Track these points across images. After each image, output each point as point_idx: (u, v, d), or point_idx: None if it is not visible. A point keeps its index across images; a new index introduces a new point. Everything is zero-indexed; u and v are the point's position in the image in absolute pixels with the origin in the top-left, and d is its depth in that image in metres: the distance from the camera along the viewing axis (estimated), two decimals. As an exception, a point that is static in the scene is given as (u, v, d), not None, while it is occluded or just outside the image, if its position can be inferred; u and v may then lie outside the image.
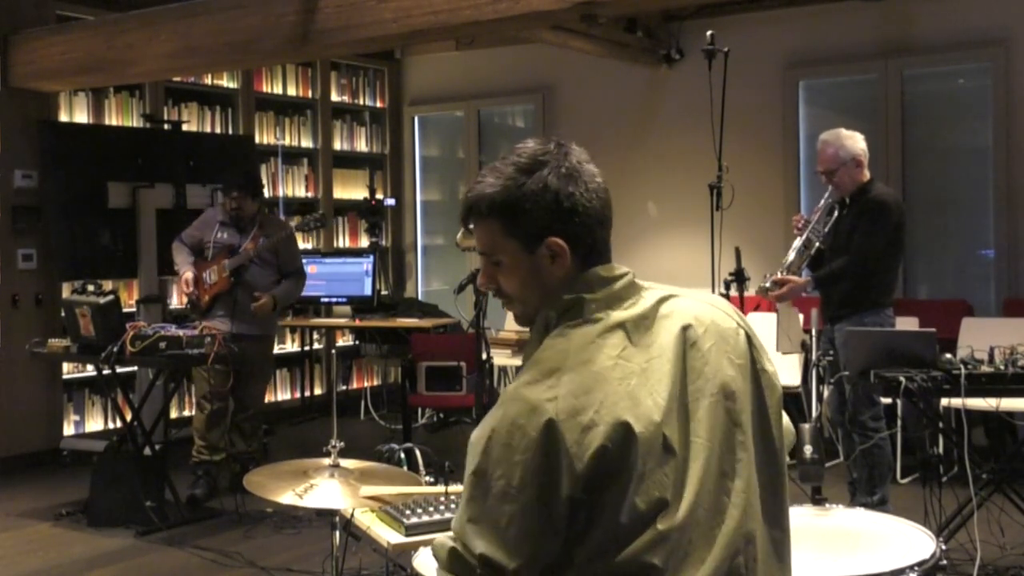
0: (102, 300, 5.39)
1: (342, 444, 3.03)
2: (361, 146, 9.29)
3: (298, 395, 8.61)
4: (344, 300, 8.25)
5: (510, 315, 1.77)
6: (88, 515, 5.56)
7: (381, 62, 9.30)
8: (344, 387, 8.84)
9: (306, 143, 8.79)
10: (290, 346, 8.65)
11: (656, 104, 8.23)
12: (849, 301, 4.91)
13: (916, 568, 2.55)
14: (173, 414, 7.18)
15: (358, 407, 8.44)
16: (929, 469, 4.79)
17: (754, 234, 6.77)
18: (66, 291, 6.61)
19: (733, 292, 4.72)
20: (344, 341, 8.96)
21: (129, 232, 7.03)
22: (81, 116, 7.27)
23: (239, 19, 5.73)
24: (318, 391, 8.65)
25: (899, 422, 5.93)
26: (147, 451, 5.61)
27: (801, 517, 2.98)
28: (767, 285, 4.95)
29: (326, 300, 8.30)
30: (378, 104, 9.41)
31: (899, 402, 5.70)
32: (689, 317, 1.65)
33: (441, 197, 9.58)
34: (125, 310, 6.51)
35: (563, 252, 1.63)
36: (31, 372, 6.77)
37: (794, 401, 6.49)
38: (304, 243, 8.22)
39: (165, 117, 7.51)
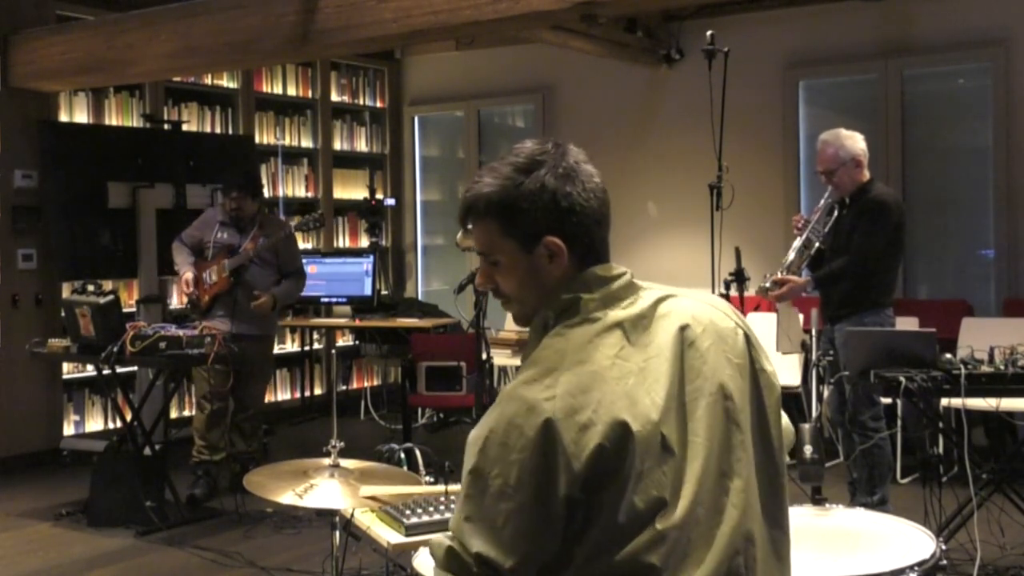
0: (102, 300, 5.39)
1: (342, 444, 3.04)
2: (361, 146, 9.29)
3: (298, 395, 8.61)
4: (344, 300, 8.25)
5: (510, 315, 1.77)
6: (88, 515, 5.56)
7: (381, 62, 9.30)
8: (344, 387, 8.84)
9: (306, 143, 8.79)
10: (290, 346, 8.65)
11: (656, 104, 8.23)
12: (849, 301, 4.91)
13: (916, 568, 2.55)
14: (173, 414, 7.18)
15: (358, 407, 8.44)
16: (929, 469, 4.79)
17: (754, 234, 6.77)
18: (66, 291, 6.61)
19: (733, 292, 4.72)
20: (344, 341, 8.96)
21: (129, 232, 7.03)
22: (81, 116, 7.27)
23: (239, 19, 5.73)
24: (318, 391, 8.65)
25: (899, 422, 5.94)
26: (147, 451, 5.61)
27: (801, 517, 2.98)
28: (767, 285, 4.95)
29: (326, 300, 8.30)
30: (378, 104, 9.41)
31: (899, 402, 5.70)
32: (687, 317, 1.65)
33: (441, 197, 9.58)
34: (125, 310, 6.51)
35: (561, 252, 1.63)
36: (31, 372, 6.77)
37: (794, 401, 6.49)
38: (304, 243, 8.22)
39: (165, 117, 7.51)
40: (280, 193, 8.48)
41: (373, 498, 2.79)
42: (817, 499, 3.36)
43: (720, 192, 4.78)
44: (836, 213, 4.99)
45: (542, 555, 1.52)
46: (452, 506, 2.59)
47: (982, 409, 4.64)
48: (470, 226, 1.68)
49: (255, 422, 6.19)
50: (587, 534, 1.51)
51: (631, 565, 1.51)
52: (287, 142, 8.60)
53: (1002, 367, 4.15)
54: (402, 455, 3.52)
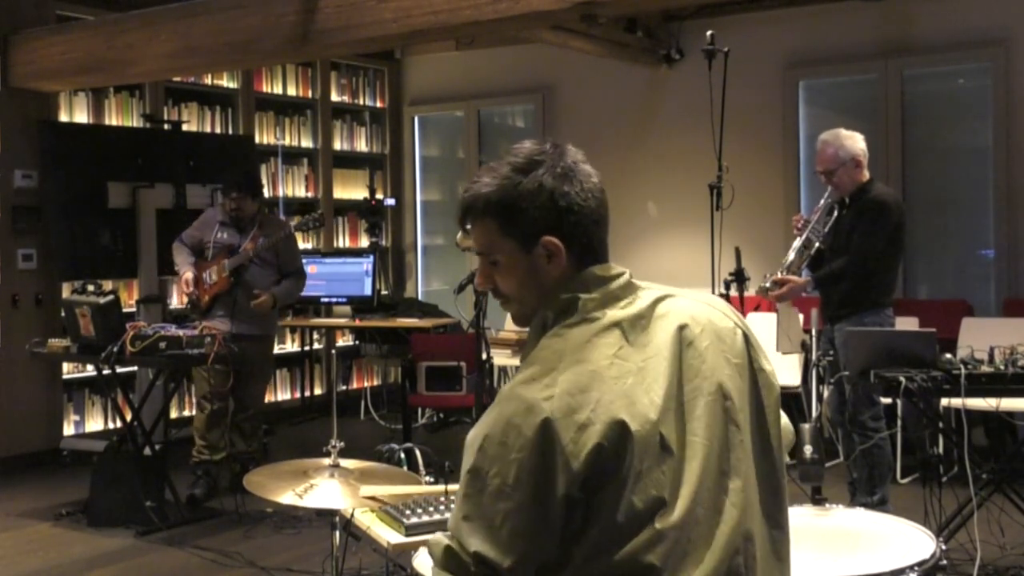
0: (102, 300, 5.39)
1: (342, 444, 3.04)
2: (361, 146, 9.29)
3: (298, 395, 8.61)
4: (344, 300, 8.26)
5: (509, 315, 1.77)
6: (88, 515, 5.56)
7: (381, 62, 9.30)
8: (344, 387, 8.84)
9: (306, 143, 8.79)
10: (290, 346, 8.65)
11: (656, 104, 8.23)
12: (849, 301, 4.91)
13: (916, 568, 2.55)
14: (173, 414, 7.18)
15: (358, 407, 8.44)
16: (929, 469, 4.79)
17: (754, 234, 6.77)
18: (66, 291, 6.61)
19: (733, 292, 4.72)
20: (344, 341, 8.96)
21: (129, 232, 7.03)
22: (81, 116, 7.27)
23: (239, 19, 5.73)
24: (318, 391, 8.65)
25: (899, 422, 5.94)
26: (147, 451, 5.61)
27: (801, 517, 2.98)
28: (767, 285, 4.95)
29: (326, 300, 8.30)
30: (378, 104, 9.41)
31: (899, 402, 5.70)
32: (685, 317, 1.66)
33: (441, 197, 9.58)
34: (125, 310, 6.51)
35: (559, 251, 1.63)
36: (31, 372, 6.77)
37: (794, 401, 6.49)
38: (304, 243, 8.22)
39: (165, 117, 7.51)
40: (280, 193, 8.48)
41: (373, 498, 2.79)
42: (817, 499, 3.37)
43: (720, 192, 4.78)
44: (836, 213, 4.99)
45: (540, 554, 1.52)
46: (452, 506, 2.59)
47: (982, 409, 4.64)
48: (469, 226, 1.69)
49: (255, 422, 6.19)
50: (586, 534, 1.51)
51: (630, 565, 1.51)
52: (287, 142, 8.60)
53: (1002, 367, 4.15)
54: (402, 455, 3.53)
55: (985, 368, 4.16)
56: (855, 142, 4.96)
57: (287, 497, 2.85)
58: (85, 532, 5.41)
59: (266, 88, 8.46)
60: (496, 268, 1.69)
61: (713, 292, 4.60)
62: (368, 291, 8.18)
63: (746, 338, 1.71)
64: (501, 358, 7.00)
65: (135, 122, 7.49)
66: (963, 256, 7.44)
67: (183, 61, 6.19)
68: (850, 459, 4.99)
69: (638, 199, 8.14)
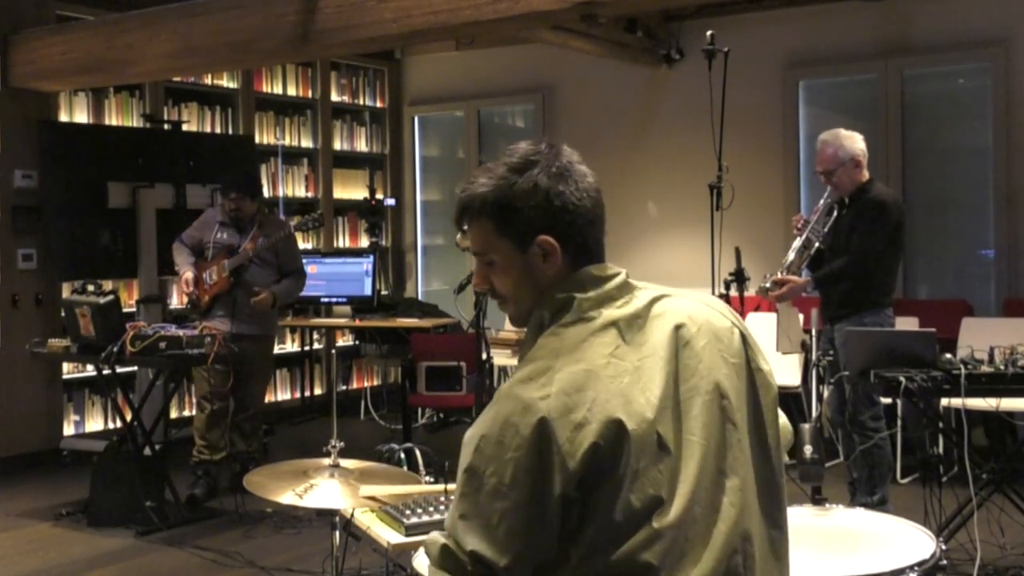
0: (102, 300, 5.39)
1: (342, 444, 3.04)
2: (361, 146, 9.29)
3: (298, 395, 8.61)
4: (344, 300, 8.26)
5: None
6: (88, 515, 5.56)
7: (381, 62, 9.30)
8: (344, 387, 8.84)
9: (306, 143, 8.79)
10: (290, 346, 8.65)
11: (656, 104, 8.23)
12: (849, 301, 4.91)
13: (916, 568, 2.55)
14: (173, 414, 7.18)
15: (358, 407, 8.44)
16: (929, 469, 4.80)
17: (754, 234, 6.77)
18: (66, 291, 6.61)
19: (733, 292, 4.72)
20: (344, 341, 8.96)
21: (129, 232, 7.03)
22: (81, 116, 7.27)
23: (239, 19, 5.73)
24: (318, 391, 8.65)
25: (899, 422, 5.94)
26: (147, 451, 5.61)
27: (801, 517, 2.98)
28: (767, 285, 4.95)
29: (326, 300, 8.30)
30: (378, 104, 9.41)
31: (899, 402, 5.70)
32: (682, 316, 1.66)
33: (441, 197, 9.58)
34: (125, 310, 6.51)
35: (554, 250, 1.64)
36: (31, 372, 6.77)
37: (794, 401, 6.49)
38: (304, 243, 8.22)
39: (165, 117, 7.51)
40: (280, 193, 8.48)
41: (373, 498, 2.79)
42: (817, 499, 3.36)
43: (720, 192, 4.78)
44: (836, 213, 4.99)
45: (537, 554, 1.52)
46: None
47: (982, 409, 4.64)
48: (466, 227, 1.69)
49: (255, 422, 6.19)
50: (583, 533, 1.51)
51: (628, 564, 1.51)
52: (287, 142, 8.60)
53: (1002, 367, 4.15)
54: (402, 455, 3.52)
55: (985, 368, 4.16)
56: (854, 142, 4.96)
57: (287, 497, 2.85)
58: (85, 532, 5.41)
59: (266, 88, 8.46)
60: (492, 268, 1.69)
61: (713, 292, 4.61)
62: (368, 291, 8.18)
63: (743, 338, 1.72)
64: (501, 358, 7.00)
65: (135, 122, 7.49)
66: (963, 256, 7.44)
67: (183, 61, 6.18)
68: (850, 459, 4.99)
69: (638, 199, 8.15)
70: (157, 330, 5.41)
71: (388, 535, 2.61)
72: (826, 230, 4.99)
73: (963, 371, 4.08)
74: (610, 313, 1.62)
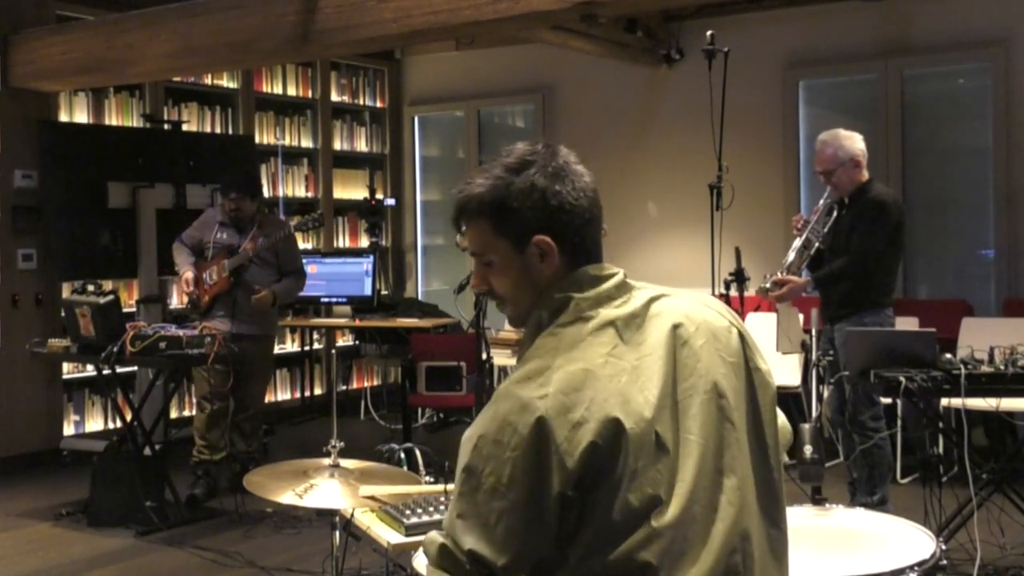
0: (102, 300, 5.39)
1: (342, 444, 3.04)
2: (361, 146, 9.29)
3: (298, 395, 8.61)
4: (344, 300, 8.26)
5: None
6: (88, 515, 5.56)
7: (381, 62, 9.30)
8: (344, 387, 8.84)
9: (306, 143, 8.79)
10: (290, 346, 8.65)
11: (656, 104, 8.23)
12: (849, 301, 4.91)
13: (916, 568, 2.55)
14: (173, 414, 7.18)
15: (358, 407, 8.44)
16: (929, 469, 4.79)
17: (754, 234, 6.77)
18: (66, 291, 6.61)
19: (733, 292, 4.72)
20: (344, 341, 8.96)
21: (129, 232, 7.03)
22: (81, 116, 7.27)
23: (239, 19, 5.73)
24: (318, 391, 8.65)
25: (899, 422, 5.94)
26: (147, 451, 5.61)
27: (801, 517, 2.98)
28: (767, 285, 4.96)
29: (326, 300, 8.30)
30: (378, 104, 9.41)
31: (899, 402, 5.70)
32: (680, 316, 1.66)
33: (441, 197, 9.58)
34: (125, 310, 6.51)
35: (551, 250, 1.64)
36: (31, 372, 6.77)
37: (794, 401, 6.49)
38: (304, 243, 8.22)
39: (165, 117, 7.51)
40: (280, 193, 8.48)
41: (373, 498, 2.79)
42: (817, 499, 3.36)
43: (720, 192, 4.78)
44: (835, 213, 4.99)
45: (535, 553, 1.52)
46: (451, 506, 2.59)
47: (982, 409, 4.64)
48: (463, 228, 1.70)
49: (255, 422, 6.19)
50: (581, 532, 1.51)
51: (627, 563, 1.51)
52: (287, 142, 8.60)
53: (1002, 367, 4.15)
54: (402, 455, 3.52)
55: (985, 368, 4.16)
56: (854, 142, 4.96)
57: (287, 497, 2.85)
58: (85, 532, 5.41)
59: (266, 88, 8.46)
60: (490, 269, 1.70)
61: (713, 292, 4.61)
62: (368, 291, 8.18)
63: (741, 337, 1.72)
64: (501, 358, 7.00)
65: (135, 122, 7.49)
66: (963, 256, 7.44)
67: (183, 61, 6.19)
68: (850, 459, 4.99)
69: (638, 199, 8.15)
70: (157, 330, 5.41)
71: (388, 535, 2.61)
72: (826, 230, 4.99)
73: (963, 371, 4.08)
74: (608, 313, 1.63)
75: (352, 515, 2.82)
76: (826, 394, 5.42)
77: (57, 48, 6.51)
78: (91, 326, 5.41)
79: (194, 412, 6.26)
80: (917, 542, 2.73)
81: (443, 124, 9.63)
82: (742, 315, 4.66)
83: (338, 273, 8.22)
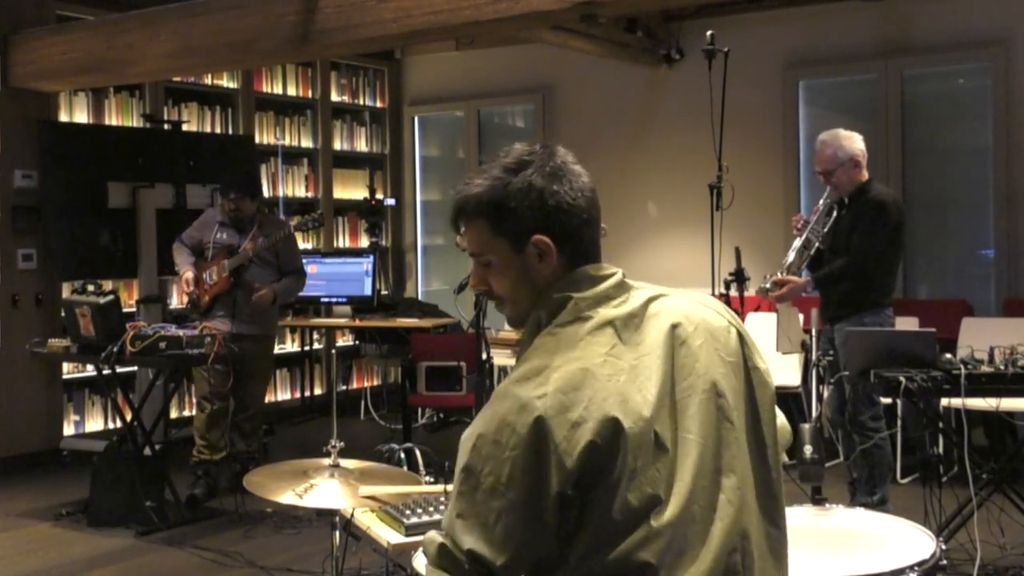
0: (102, 300, 5.40)
1: (342, 444, 3.04)
2: (361, 146, 9.29)
3: (298, 395, 8.61)
4: (344, 300, 8.26)
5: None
6: (88, 515, 5.56)
7: (381, 62, 9.30)
8: (344, 387, 8.84)
9: (306, 143, 8.79)
10: (290, 346, 8.65)
11: (656, 104, 8.23)
12: (849, 301, 4.91)
13: (916, 568, 2.55)
14: (173, 414, 7.18)
15: (358, 407, 8.44)
16: (929, 469, 4.80)
17: (754, 234, 6.77)
18: (66, 291, 6.61)
19: (733, 292, 4.72)
20: (344, 341, 8.96)
21: (129, 232, 7.03)
22: (81, 116, 7.27)
23: (239, 19, 5.73)
24: (318, 391, 8.65)
25: (899, 422, 5.94)
26: (147, 451, 5.61)
27: (801, 517, 2.98)
28: (767, 286, 4.95)
29: (326, 300, 8.30)
30: (378, 104, 9.41)
31: (899, 402, 5.70)
32: (678, 316, 1.66)
33: (441, 197, 9.58)
34: (125, 310, 6.51)
35: (549, 250, 1.64)
36: (31, 372, 6.77)
37: (794, 401, 6.49)
38: (304, 243, 8.23)
39: (165, 117, 7.51)
40: (280, 193, 8.48)
41: (373, 498, 2.79)
42: (817, 499, 3.36)
43: (720, 192, 4.78)
44: (835, 213, 4.99)
45: (534, 553, 1.52)
46: (451, 506, 2.59)
47: (982, 409, 4.64)
48: (462, 228, 1.70)
49: (255, 422, 6.19)
50: (581, 532, 1.52)
51: (626, 562, 1.51)
52: (287, 142, 8.60)
53: (1002, 367, 4.15)
54: (402, 455, 3.52)
55: (985, 368, 4.16)
56: (853, 142, 4.96)
57: (287, 497, 2.85)
58: (85, 532, 5.41)
59: (266, 88, 8.46)
60: (489, 269, 1.70)
61: (713, 292, 4.61)
62: (368, 291, 8.18)
63: (740, 336, 1.72)
64: (501, 358, 7.00)
65: (135, 122, 7.49)
66: (963, 256, 7.44)
67: (183, 61, 6.19)
68: (850, 459, 4.99)
69: (638, 199, 8.15)
70: (157, 330, 5.41)
71: (388, 535, 2.61)
72: (826, 230, 4.99)
73: (963, 371, 4.08)
74: (606, 312, 1.63)
75: (352, 515, 2.82)
76: (826, 394, 5.42)
77: (57, 48, 6.51)
78: (91, 326, 5.41)
79: (194, 412, 6.26)
80: (917, 542, 2.73)
81: (443, 124, 9.63)
82: (742, 315, 4.67)
83: (338, 273, 8.22)
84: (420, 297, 9.16)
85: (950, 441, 5.09)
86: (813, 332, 5.93)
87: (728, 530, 1.59)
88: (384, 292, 9.06)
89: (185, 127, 7.46)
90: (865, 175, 4.98)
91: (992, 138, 7.07)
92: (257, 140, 8.27)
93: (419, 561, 2.55)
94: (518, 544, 1.51)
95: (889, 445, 5.13)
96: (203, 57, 6.05)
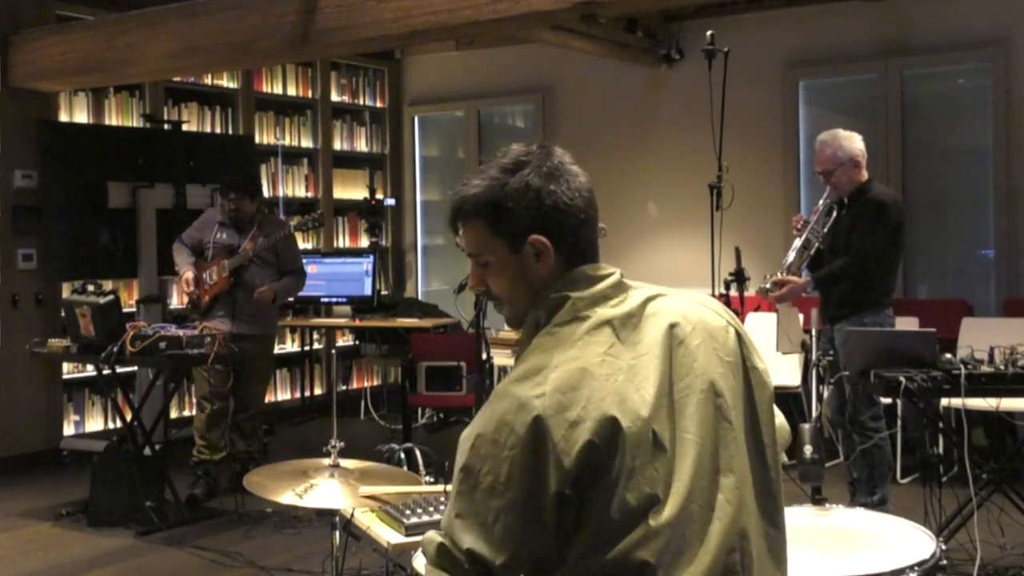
0: (102, 300, 5.40)
1: (342, 444, 3.04)
2: (361, 146, 9.29)
3: (298, 395, 8.61)
4: (344, 300, 8.26)
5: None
6: (88, 515, 5.56)
7: (381, 62, 9.30)
8: (344, 387, 8.84)
9: (306, 143, 8.79)
10: (290, 346, 8.65)
11: (656, 104, 8.23)
12: (849, 301, 4.91)
13: (916, 568, 2.55)
14: (173, 414, 7.18)
15: (358, 407, 8.44)
16: (929, 469, 4.80)
17: (754, 234, 6.77)
18: (66, 291, 6.61)
19: (733, 292, 4.72)
20: (344, 341, 8.96)
21: (129, 232, 7.04)
22: (81, 116, 7.27)
23: (239, 19, 5.73)
24: (318, 391, 8.65)
25: (899, 422, 5.94)
26: (147, 451, 5.61)
27: (801, 517, 2.98)
28: (767, 286, 4.95)
29: (326, 300, 8.30)
30: (378, 104, 9.41)
31: (899, 402, 5.70)
32: (676, 315, 1.66)
33: (441, 197, 9.57)
34: (125, 310, 6.51)
35: (547, 250, 1.65)
36: (31, 372, 6.77)
37: (794, 401, 6.49)
38: (304, 243, 8.22)
39: (165, 117, 7.51)
40: (280, 193, 8.48)
41: (373, 498, 2.79)
42: (817, 499, 3.36)
43: (720, 192, 4.78)
44: (835, 213, 4.99)
45: (533, 552, 1.53)
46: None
47: (982, 409, 4.64)
48: (461, 229, 1.70)
49: (255, 422, 6.19)
50: (579, 531, 1.52)
51: (625, 562, 1.51)
52: (287, 142, 8.60)
53: (1002, 367, 4.15)
54: (402, 455, 3.52)
55: (985, 368, 4.16)
56: (853, 142, 4.96)
57: (287, 497, 2.85)
58: (85, 532, 5.41)
59: (266, 88, 8.46)
60: (487, 270, 1.70)
61: (713, 292, 4.61)
62: (368, 291, 8.18)
63: (739, 336, 1.72)
64: (501, 358, 7.00)
65: (135, 122, 7.49)
66: (963, 256, 7.44)
67: (183, 61, 6.19)
68: (850, 459, 4.99)
69: (638, 199, 8.15)
70: (157, 330, 5.41)
71: (388, 535, 2.61)
72: (826, 230, 4.99)
73: (963, 371, 4.08)
74: (604, 312, 1.63)
75: (352, 515, 2.82)
76: (826, 394, 5.42)
77: (57, 48, 6.51)
78: (91, 326, 5.41)
79: (194, 412, 6.26)
80: (917, 542, 2.73)
81: (443, 124, 9.63)
82: (742, 315, 4.67)
83: (338, 273, 8.22)
84: (420, 297, 9.16)
85: (950, 441, 5.09)
86: (813, 332, 5.93)
87: (726, 530, 1.59)
88: (384, 292, 9.06)
89: (185, 127, 7.47)
90: (865, 175, 4.98)
91: (992, 138, 7.07)
92: (257, 140, 8.27)
93: (419, 561, 2.55)
94: (517, 543, 1.51)
95: (889, 445, 5.13)
96: (203, 57, 6.05)
